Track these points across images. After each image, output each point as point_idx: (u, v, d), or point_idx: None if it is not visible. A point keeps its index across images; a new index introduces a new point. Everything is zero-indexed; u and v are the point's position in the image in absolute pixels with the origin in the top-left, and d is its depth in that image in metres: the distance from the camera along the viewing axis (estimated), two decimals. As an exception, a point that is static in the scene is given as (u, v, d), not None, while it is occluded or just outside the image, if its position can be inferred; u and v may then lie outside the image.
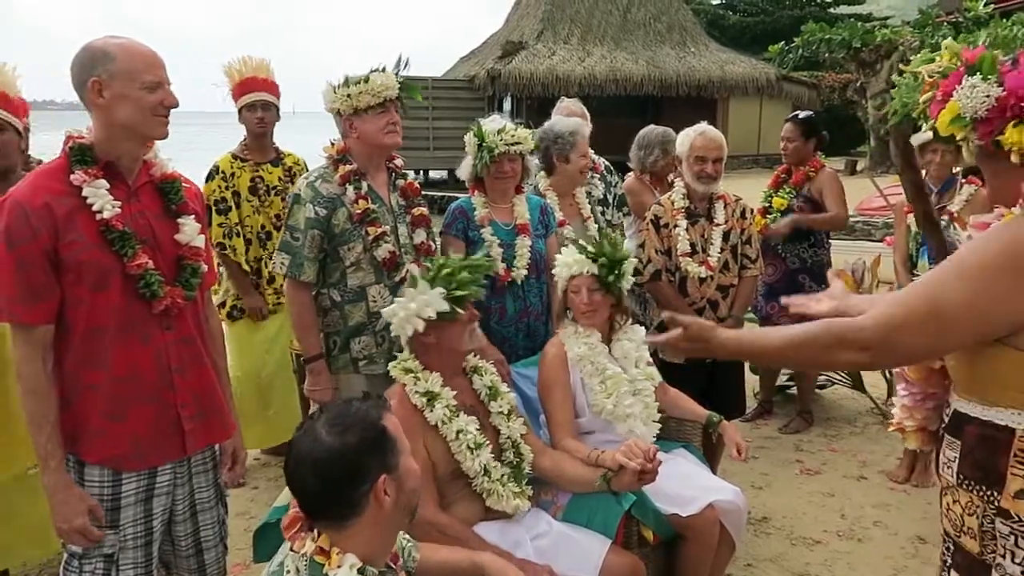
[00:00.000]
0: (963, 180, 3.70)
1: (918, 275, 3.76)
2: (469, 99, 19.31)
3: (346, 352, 2.77)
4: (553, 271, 2.80)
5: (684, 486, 2.56)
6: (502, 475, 2.27)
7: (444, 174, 19.81)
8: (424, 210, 2.88)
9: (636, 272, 3.57)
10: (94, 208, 1.82)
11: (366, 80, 2.61)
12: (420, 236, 2.83)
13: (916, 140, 3.79)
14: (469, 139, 3.07)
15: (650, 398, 2.71)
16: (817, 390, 4.86)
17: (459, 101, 19.09)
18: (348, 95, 2.62)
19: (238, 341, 3.83)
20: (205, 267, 2.05)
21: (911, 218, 3.76)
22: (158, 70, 1.85)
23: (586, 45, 20.80)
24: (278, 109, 3.81)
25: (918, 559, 3.24)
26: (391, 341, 2.77)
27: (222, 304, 3.80)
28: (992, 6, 16.12)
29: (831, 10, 29.93)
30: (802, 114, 4.48)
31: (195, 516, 2.09)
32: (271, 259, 3.70)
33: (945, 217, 3.64)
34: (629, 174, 4.59)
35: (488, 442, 2.26)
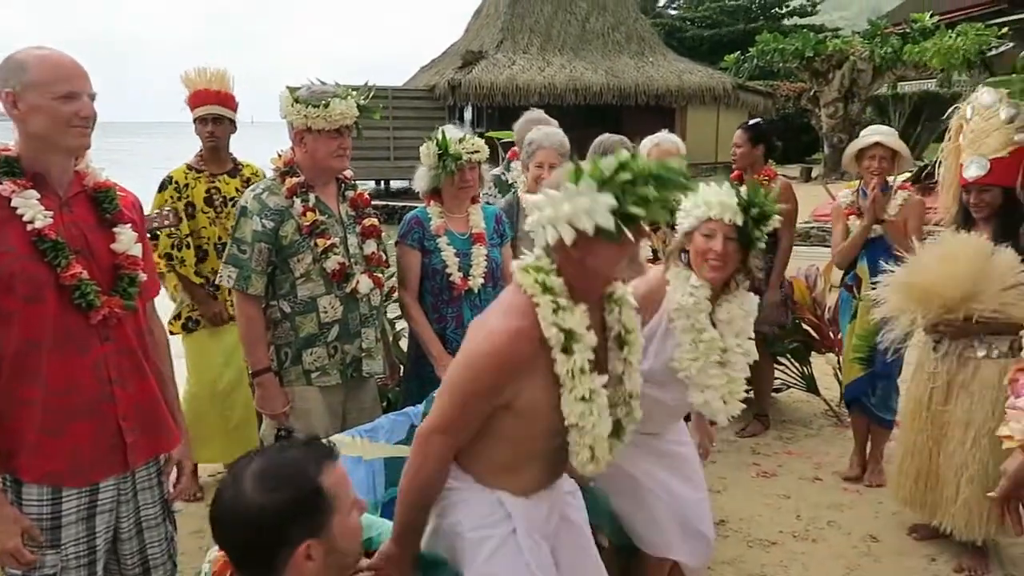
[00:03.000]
0: (897, 186, 3.80)
1: (859, 276, 3.86)
2: (430, 109, 19.29)
3: (298, 364, 2.74)
4: (683, 207, 2.36)
5: (667, 518, 2.49)
6: (608, 447, 1.79)
7: (405, 184, 19.74)
8: (374, 221, 2.87)
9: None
10: (24, 218, 1.78)
11: (326, 105, 2.59)
12: (370, 247, 2.82)
13: (854, 146, 3.88)
14: (426, 149, 3.06)
15: (740, 374, 2.37)
16: (773, 393, 4.93)
17: (420, 111, 19.06)
18: (304, 114, 2.60)
19: (195, 354, 3.77)
20: (144, 276, 2.00)
21: (851, 220, 3.85)
22: (75, 81, 1.81)
23: (546, 55, 20.94)
24: (232, 121, 3.74)
25: (870, 557, 3.30)
26: (344, 352, 2.77)
27: (177, 316, 3.73)
28: (937, 18, 16.68)
29: (784, 21, 30.60)
30: (751, 121, 4.55)
31: (141, 534, 2.03)
32: None
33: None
34: None
35: (609, 415, 1.77)
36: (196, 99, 3.65)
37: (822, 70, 17.01)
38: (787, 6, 31.75)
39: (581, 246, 1.63)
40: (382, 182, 20.16)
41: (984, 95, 3.16)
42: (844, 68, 16.50)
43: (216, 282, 3.52)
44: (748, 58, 19.31)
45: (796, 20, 31.08)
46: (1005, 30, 13.48)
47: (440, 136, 3.00)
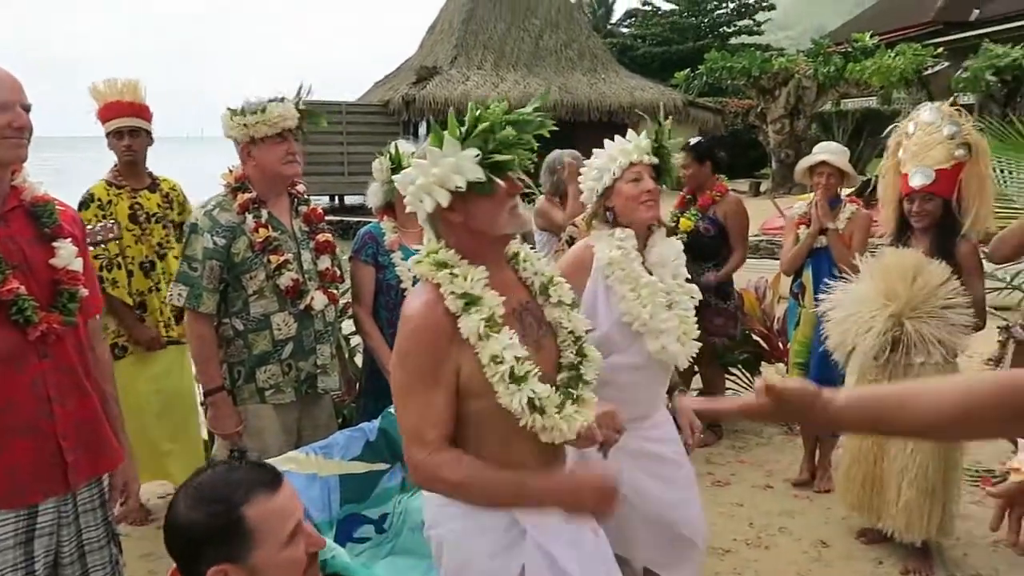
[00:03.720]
0: (846, 199, 3.94)
1: (804, 285, 3.97)
2: (384, 124, 19.26)
3: (251, 382, 2.70)
4: (592, 170, 2.44)
5: (629, 521, 2.32)
6: (560, 401, 1.71)
7: (359, 199, 19.63)
8: (328, 236, 2.86)
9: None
10: None
11: (263, 110, 2.58)
12: (324, 263, 2.80)
13: (804, 163, 4.00)
14: (379, 164, 3.07)
15: (688, 314, 2.36)
16: (725, 404, 5.00)
17: (374, 126, 19.02)
18: (245, 124, 2.58)
19: (120, 381, 3.62)
20: (85, 291, 1.96)
21: (801, 229, 3.96)
22: (6, 91, 1.78)
23: (499, 71, 21.10)
24: (149, 133, 3.58)
25: (820, 563, 3.38)
26: (298, 369, 2.75)
27: None
28: (877, 38, 17.25)
29: (732, 40, 31.31)
30: (692, 140, 4.64)
31: (84, 557, 1.98)
32: (156, 289, 3.59)
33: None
34: (541, 197, 4.68)
35: (536, 370, 1.67)
36: (108, 112, 3.48)
37: (768, 87, 17.49)
38: (735, 26, 32.50)
39: (459, 209, 1.66)
40: (336, 198, 20.02)
41: (925, 113, 3.30)
42: (790, 86, 16.98)
43: (163, 301, 3.45)
44: (698, 75, 19.78)
45: (744, 39, 31.83)
46: (940, 50, 14.05)
47: (393, 151, 3.01)
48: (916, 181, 3.17)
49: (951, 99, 3.57)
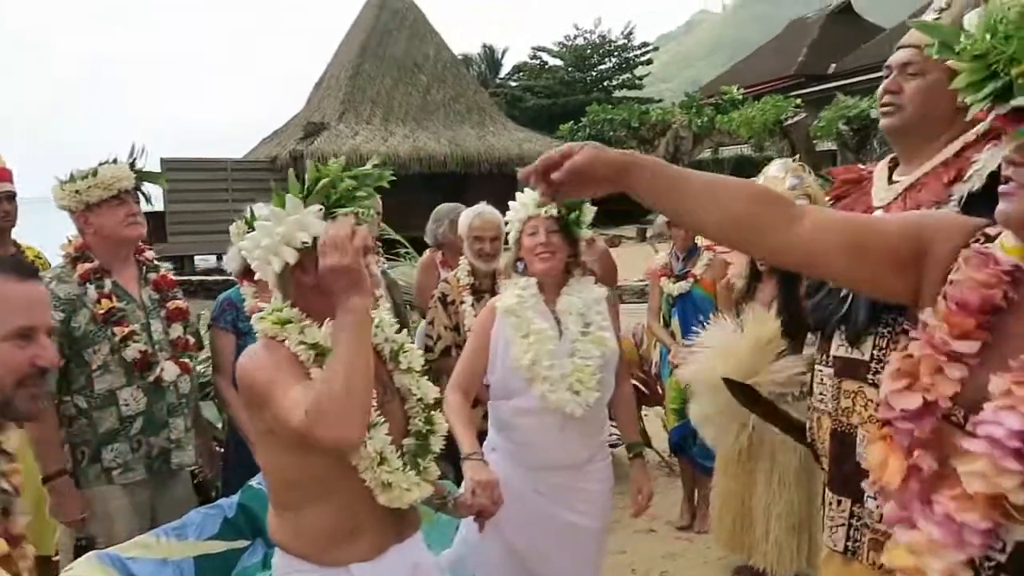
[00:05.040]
0: (703, 247, 4.14)
1: (672, 332, 4.12)
2: (272, 180, 18.94)
3: (97, 463, 2.55)
4: (508, 221, 2.54)
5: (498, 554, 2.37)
6: (401, 464, 1.70)
7: (248, 257, 19.13)
8: (180, 303, 2.76)
9: (427, 349, 3.63)
10: None
11: (94, 173, 2.50)
12: (176, 331, 2.70)
13: (662, 216, 4.18)
14: (235, 228, 3.00)
15: (588, 363, 2.36)
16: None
17: (262, 183, 18.63)
18: (77, 191, 2.49)
19: None
20: None
21: (664, 281, 4.12)
22: None
23: (388, 125, 21.20)
24: (14, 196, 3.28)
25: (699, 604, 3.44)
26: (150, 444, 2.61)
27: None
28: (744, 91, 18.32)
29: (616, 93, 32.69)
30: None
31: None
32: None
33: (690, 279, 4.03)
34: (427, 250, 4.69)
35: (384, 421, 1.67)
36: None
37: (648, 137, 18.30)
38: (617, 79, 33.99)
39: (309, 268, 1.65)
40: (223, 256, 19.43)
41: (773, 167, 3.54)
42: (668, 136, 17.83)
43: None
44: (581, 127, 20.51)
45: (627, 92, 33.29)
46: (800, 102, 15.16)
47: (248, 214, 2.95)
48: None
49: (805, 149, 3.82)
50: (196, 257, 18.79)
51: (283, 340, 1.66)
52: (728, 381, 2.61)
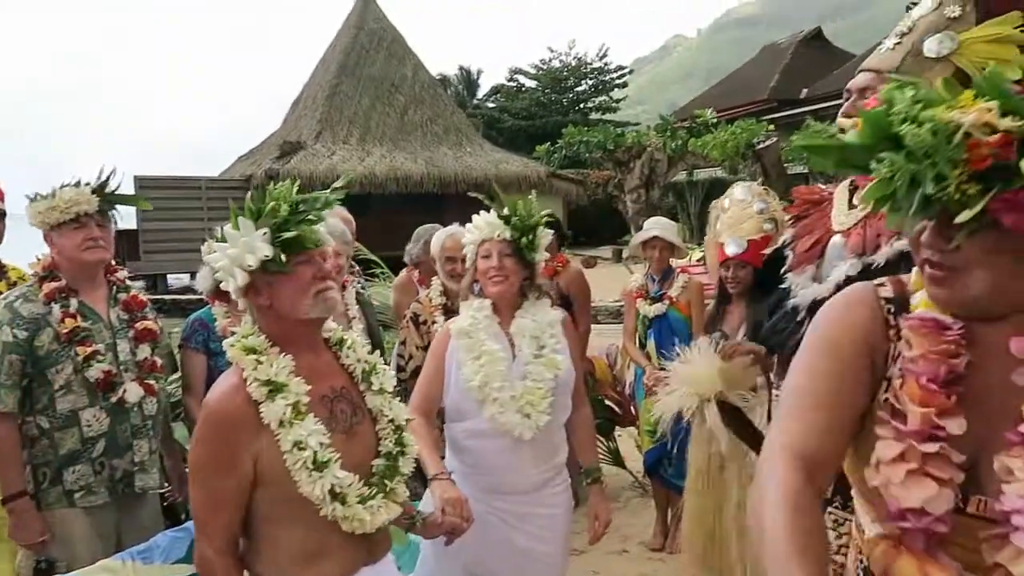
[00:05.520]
0: (678, 270, 4.18)
1: (647, 353, 4.14)
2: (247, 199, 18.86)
3: (58, 485, 2.50)
4: (465, 239, 2.55)
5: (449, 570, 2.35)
6: (364, 493, 1.71)
7: (223, 276, 18.94)
8: (149, 324, 2.73)
9: (399, 368, 3.62)
10: None
11: (53, 195, 2.48)
12: (144, 352, 2.67)
13: (637, 239, 4.23)
14: (207, 248, 2.97)
15: (540, 386, 2.36)
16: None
17: (236, 201, 18.09)
18: (39, 211, 2.48)
19: None
20: None
21: (640, 302, 4.15)
22: None
23: (365, 145, 21.22)
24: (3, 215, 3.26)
25: (671, 625, 3.43)
26: (112, 467, 2.57)
27: None
28: (717, 115, 18.57)
29: (593, 115, 33.00)
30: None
31: None
32: None
33: (666, 301, 4.06)
34: (404, 270, 4.70)
35: (338, 457, 1.67)
36: None
37: (624, 160, 18.48)
38: (593, 101, 34.32)
39: (264, 292, 1.70)
40: (196, 275, 19.26)
41: (738, 191, 3.60)
42: (643, 158, 18.02)
43: None
44: (558, 149, 20.67)
45: (604, 114, 33.63)
46: (771, 127, 15.42)
47: (219, 234, 2.93)
48: (730, 249, 3.42)
49: (777, 172, 3.88)
50: (169, 276, 18.60)
51: (240, 365, 1.69)
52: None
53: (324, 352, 1.84)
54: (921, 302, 1.13)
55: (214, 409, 1.65)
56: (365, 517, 1.67)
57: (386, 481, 1.76)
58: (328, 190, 1.77)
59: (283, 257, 1.66)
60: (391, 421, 1.84)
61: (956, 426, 1.04)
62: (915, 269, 1.15)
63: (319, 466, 1.62)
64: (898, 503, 1.05)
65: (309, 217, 1.71)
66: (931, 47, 1.61)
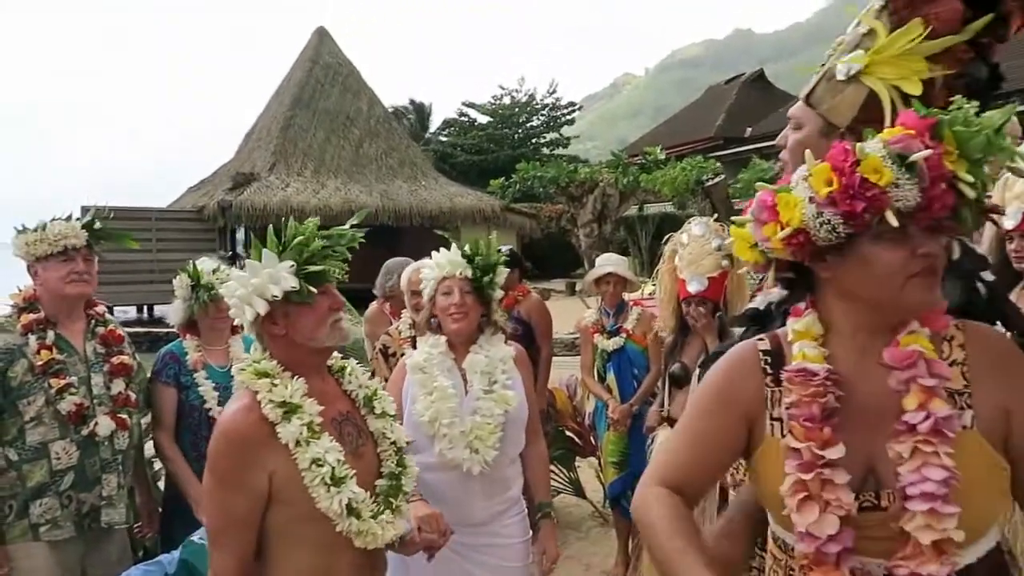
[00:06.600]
0: (631, 303, 4.34)
1: (608, 386, 4.26)
2: (198, 230, 18.61)
3: (24, 518, 2.49)
4: (422, 274, 2.61)
5: None
6: (375, 509, 1.79)
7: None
8: (125, 359, 2.73)
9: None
10: None
11: (43, 228, 2.53)
12: (118, 386, 2.68)
13: (591, 275, 4.38)
14: (179, 281, 3.01)
15: (489, 421, 2.40)
16: (544, 501, 5.13)
17: (187, 232, 18.31)
18: (26, 243, 2.51)
19: None
20: None
21: (597, 337, 4.27)
22: None
23: (320, 177, 21.18)
24: None
25: (635, 652, 3.50)
26: (79, 501, 2.56)
27: None
28: (666, 152, 19.08)
29: (545, 150, 33.41)
30: (504, 248, 4.92)
31: None
32: None
33: (623, 334, 4.20)
34: (374, 302, 4.74)
35: (353, 473, 1.75)
36: None
37: (576, 195, 18.83)
38: (545, 137, 34.75)
39: (282, 321, 1.78)
40: (145, 308, 18.84)
41: (695, 227, 3.75)
42: (595, 193, 18.39)
43: None
44: (512, 183, 20.95)
45: (555, 149, 34.07)
46: (717, 164, 15.94)
47: (191, 267, 2.98)
48: (692, 287, 3.56)
49: (725, 209, 4.05)
50: (116, 308, 18.16)
51: (256, 392, 1.74)
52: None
53: (328, 379, 1.94)
54: (799, 353, 1.29)
55: (229, 427, 1.71)
56: (377, 531, 1.76)
57: (391, 500, 1.85)
58: (347, 225, 1.91)
59: (306, 288, 1.75)
60: (392, 443, 1.94)
61: (835, 452, 1.21)
62: (789, 321, 1.36)
63: (336, 481, 1.70)
64: (797, 527, 1.23)
65: (334, 252, 1.82)
66: (840, 68, 1.55)
